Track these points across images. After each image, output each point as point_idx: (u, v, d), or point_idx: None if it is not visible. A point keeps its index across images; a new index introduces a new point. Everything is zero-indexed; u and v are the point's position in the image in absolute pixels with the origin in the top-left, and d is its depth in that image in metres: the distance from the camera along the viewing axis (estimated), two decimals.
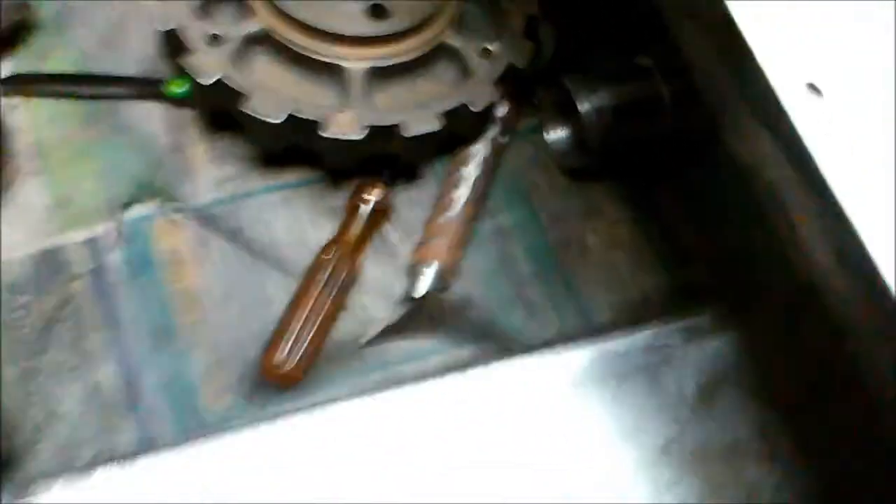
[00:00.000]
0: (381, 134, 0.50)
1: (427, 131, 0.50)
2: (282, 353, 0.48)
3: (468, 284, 0.53)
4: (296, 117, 0.49)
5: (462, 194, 0.53)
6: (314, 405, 0.46)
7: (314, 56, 0.51)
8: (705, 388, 0.46)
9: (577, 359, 0.46)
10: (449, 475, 0.43)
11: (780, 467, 0.45)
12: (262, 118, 0.48)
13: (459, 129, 0.53)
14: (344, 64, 0.51)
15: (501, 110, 0.56)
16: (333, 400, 0.46)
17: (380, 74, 0.52)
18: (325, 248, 0.51)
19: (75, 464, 0.45)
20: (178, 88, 0.53)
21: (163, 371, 0.49)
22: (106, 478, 0.41)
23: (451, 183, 0.54)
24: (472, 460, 0.43)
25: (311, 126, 0.49)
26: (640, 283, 0.54)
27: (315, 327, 0.49)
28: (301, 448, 0.43)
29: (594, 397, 0.45)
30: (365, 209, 0.52)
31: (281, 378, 0.48)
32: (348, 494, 0.42)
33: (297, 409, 0.46)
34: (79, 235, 0.51)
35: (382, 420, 0.44)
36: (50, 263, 0.50)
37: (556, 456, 0.44)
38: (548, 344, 0.48)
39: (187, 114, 0.55)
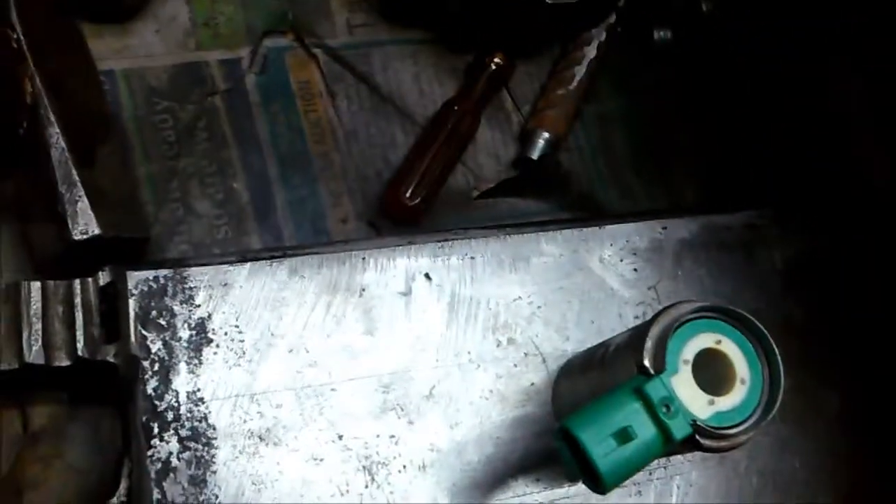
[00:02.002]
0: None
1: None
2: (407, 190, 0.51)
3: (572, 160, 0.57)
4: None
5: (579, 72, 0.57)
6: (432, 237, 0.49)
7: None
8: (793, 267, 0.51)
9: (681, 226, 0.50)
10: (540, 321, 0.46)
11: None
12: None
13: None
14: None
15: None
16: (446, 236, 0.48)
17: None
18: (452, 101, 0.54)
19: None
20: None
21: (293, 192, 0.51)
22: (243, 269, 0.43)
23: (570, 60, 0.57)
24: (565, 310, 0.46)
25: None
26: (726, 177, 0.58)
27: (437, 172, 0.52)
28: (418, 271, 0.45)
29: (698, 261, 0.49)
30: (489, 69, 0.55)
31: (403, 211, 0.51)
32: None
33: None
34: (219, 55, 0.53)
35: (487, 257, 0.47)
36: (191, 75, 0.52)
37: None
38: (652, 215, 0.51)
39: None
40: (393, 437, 0.42)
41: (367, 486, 0.41)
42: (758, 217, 0.51)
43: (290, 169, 0.52)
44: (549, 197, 0.55)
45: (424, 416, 0.43)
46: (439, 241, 0.46)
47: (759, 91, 0.59)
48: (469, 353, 0.45)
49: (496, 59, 0.56)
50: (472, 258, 0.46)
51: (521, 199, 0.55)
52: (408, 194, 0.51)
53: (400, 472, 0.42)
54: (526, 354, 0.46)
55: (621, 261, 0.48)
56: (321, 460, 0.41)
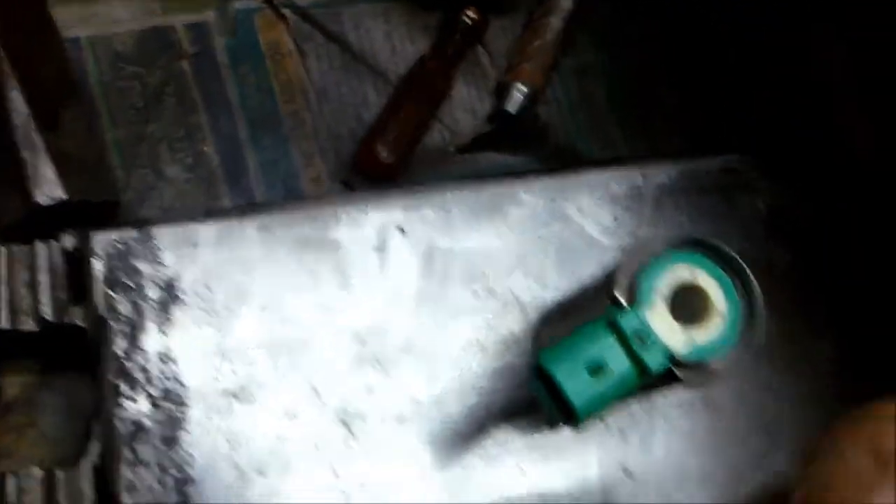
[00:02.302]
0: None
1: None
2: (380, 147, 0.50)
3: (551, 112, 0.56)
4: None
5: (555, 23, 0.55)
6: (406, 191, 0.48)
7: None
8: (776, 213, 0.50)
9: (660, 171, 0.49)
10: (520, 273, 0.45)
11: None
12: None
13: None
14: None
15: None
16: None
17: None
18: (424, 58, 0.53)
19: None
20: None
21: (264, 153, 0.51)
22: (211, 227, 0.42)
23: (546, 10, 0.56)
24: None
25: None
26: (709, 130, 0.57)
27: (411, 129, 0.51)
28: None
29: (678, 207, 0.48)
30: (462, 24, 0.54)
31: (377, 169, 0.50)
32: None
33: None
34: (186, 18, 0.53)
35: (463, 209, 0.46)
36: (158, 40, 0.52)
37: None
38: (631, 161, 0.50)
39: None
40: (370, 390, 0.42)
41: (344, 440, 0.41)
42: (739, 162, 0.50)
43: (260, 130, 0.51)
44: (527, 150, 0.54)
45: (402, 369, 0.42)
46: (413, 194, 0.46)
47: (743, 59, 0.58)
48: (446, 304, 0.44)
49: (469, 14, 0.55)
50: (447, 210, 0.45)
51: (498, 153, 0.54)
52: (381, 151, 0.50)
53: (378, 424, 0.41)
54: (505, 304, 0.45)
55: (600, 208, 0.47)
56: (296, 416, 0.40)
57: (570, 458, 0.42)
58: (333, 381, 0.41)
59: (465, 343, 0.43)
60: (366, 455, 0.41)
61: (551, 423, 0.38)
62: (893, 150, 0.50)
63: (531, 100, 0.54)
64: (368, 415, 0.41)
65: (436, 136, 0.54)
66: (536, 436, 0.43)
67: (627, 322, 0.33)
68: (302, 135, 0.51)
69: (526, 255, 0.46)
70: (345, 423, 0.41)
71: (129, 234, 0.41)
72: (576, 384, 0.32)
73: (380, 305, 0.43)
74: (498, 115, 0.54)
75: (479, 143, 0.54)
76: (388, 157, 0.50)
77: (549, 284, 0.45)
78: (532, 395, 0.40)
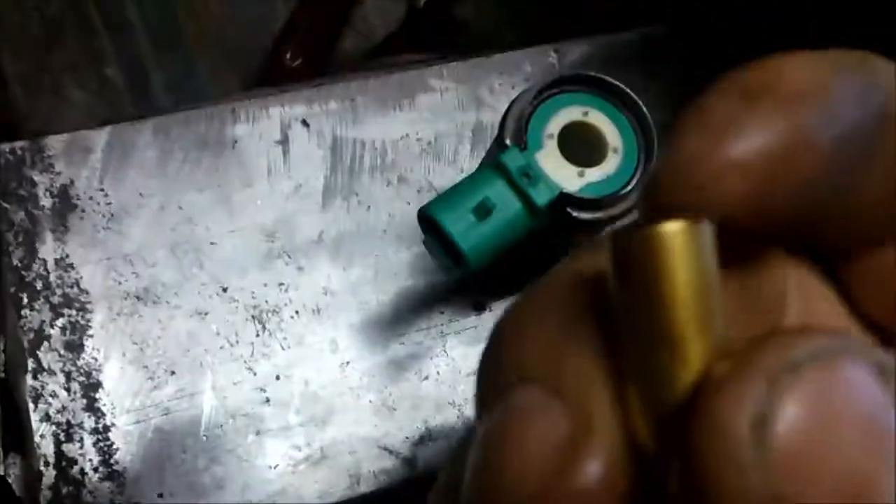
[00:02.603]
0: None
1: None
2: (287, 51, 0.49)
3: (468, 10, 0.54)
4: None
5: None
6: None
7: None
8: (698, 79, 0.48)
9: (574, 47, 0.48)
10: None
11: None
12: None
13: None
14: None
15: None
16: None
17: None
18: None
19: None
20: None
21: (170, 72, 0.49)
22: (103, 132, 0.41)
23: None
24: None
25: None
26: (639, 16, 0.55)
27: (319, 32, 0.50)
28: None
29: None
30: None
31: (287, 74, 0.49)
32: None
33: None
34: None
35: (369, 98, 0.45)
36: None
37: None
38: (543, 40, 0.49)
39: None
40: (282, 284, 0.40)
41: (258, 335, 0.39)
42: (655, 31, 0.49)
43: (163, 50, 0.50)
44: (444, 49, 0.53)
45: (314, 261, 0.41)
46: (315, 87, 0.44)
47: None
48: (357, 194, 0.43)
49: None
50: (353, 100, 0.44)
51: (416, 53, 0.52)
52: (288, 56, 0.49)
53: (292, 317, 0.40)
54: (419, 191, 0.43)
55: (513, 88, 0.46)
56: (206, 314, 0.39)
57: None
58: (243, 278, 0.40)
59: (379, 231, 0.42)
60: (281, 349, 0.39)
61: (447, 272, 0.37)
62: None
63: None
64: (282, 308, 0.40)
65: (350, 42, 0.52)
66: (459, 320, 0.41)
67: (511, 160, 0.32)
68: (208, 51, 0.50)
69: (438, 139, 0.44)
70: (257, 319, 0.40)
71: (20, 144, 0.40)
72: (461, 227, 0.31)
73: (287, 199, 0.42)
74: (409, 14, 0.53)
75: (392, 44, 0.52)
76: (295, 62, 0.49)
77: (465, 168, 0.44)
78: (452, 280, 0.39)
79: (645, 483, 0.12)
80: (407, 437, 0.39)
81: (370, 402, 0.39)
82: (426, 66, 0.46)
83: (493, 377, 0.14)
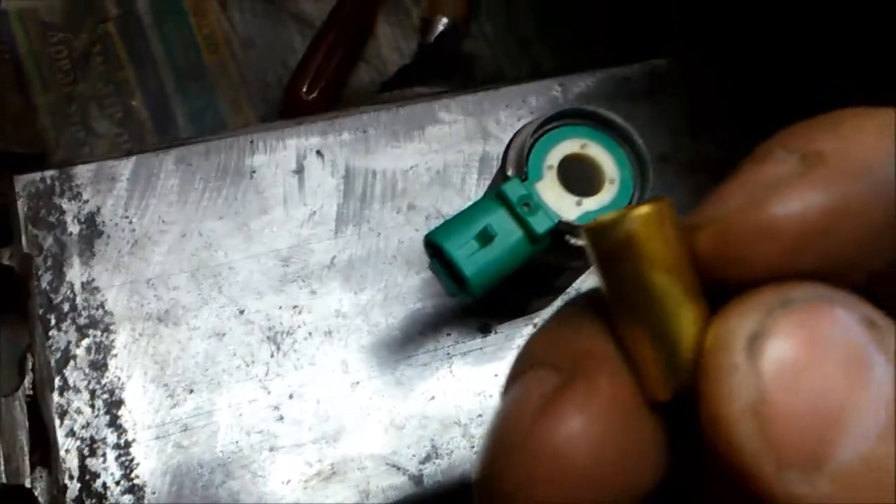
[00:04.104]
0: None
1: None
2: (303, 85, 0.51)
3: (478, 45, 0.57)
4: None
5: None
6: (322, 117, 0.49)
7: None
8: (701, 108, 0.50)
9: (579, 81, 0.50)
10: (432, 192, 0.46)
11: None
12: None
13: None
14: None
15: None
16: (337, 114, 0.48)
17: None
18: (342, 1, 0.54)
19: None
20: None
21: (191, 103, 0.52)
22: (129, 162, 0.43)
23: None
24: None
25: None
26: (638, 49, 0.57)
27: (333, 66, 0.52)
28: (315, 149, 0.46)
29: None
30: None
31: (302, 107, 0.51)
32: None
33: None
34: None
35: (381, 130, 0.47)
36: (83, 7, 0.53)
37: None
38: (549, 74, 0.51)
39: None
40: (296, 307, 0.42)
41: (272, 356, 0.41)
42: (659, 66, 0.51)
43: (186, 81, 0.52)
44: (454, 81, 0.55)
45: (327, 285, 0.43)
46: (329, 119, 0.46)
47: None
48: (369, 222, 0.45)
49: None
50: (365, 132, 0.46)
51: (426, 86, 0.55)
52: (304, 89, 0.51)
53: (305, 339, 0.42)
54: (427, 218, 0.45)
55: (518, 120, 0.48)
56: (224, 335, 0.41)
57: (500, 360, 0.43)
58: (259, 301, 0.42)
59: (388, 257, 0.44)
60: (294, 369, 0.41)
61: (452, 296, 0.39)
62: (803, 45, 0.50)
63: (453, 31, 0.55)
64: (296, 330, 0.42)
65: (364, 76, 0.55)
66: (465, 342, 0.43)
67: (512, 190, 0.33)
68: (228, 84, 0.52)
69: (446, 169, 0.46)
70: (272, 340, 0.42)
71: (50, 173, 0.42)
72: (464, 252, 0.33)
73: (302, 226, 0.44)
74: (421, 49, 0.55)
75: (404, 77, 0.55)
76: (310, 96, 0.51)
77: (472, 196, 0.46)
78: (459, 304, 0.41)
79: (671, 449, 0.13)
80: (414, 455, 0.41)
81: (379, 420, 0.41)
82: (435, 99, 0.48)
83: (510, 372, 0.15)
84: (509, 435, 0.13)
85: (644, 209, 0.13)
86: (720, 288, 0.13)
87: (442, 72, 0.55)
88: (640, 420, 0.13)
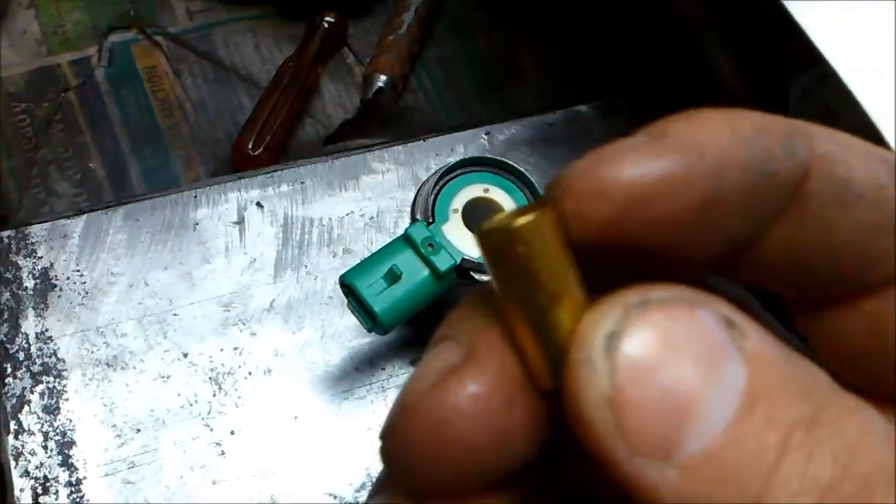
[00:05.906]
0: None
1: None
2: (249, 141, 0.55)
3: (418, 98, 0.61)
4: None
5: (407, 18, 0.61)
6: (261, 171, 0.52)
7: None
8: None
9: (504, 129, 0.53)
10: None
11: None
12: None
13: None
14: None
15: None
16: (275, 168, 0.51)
17: None
18: (288, 59, 0.58)
19: None
20: None
21: (146, 163, 0.55)
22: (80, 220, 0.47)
23: (399, 9, 0.61)
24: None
25: None
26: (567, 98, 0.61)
27: (278, 122, 0.56)
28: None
29: (522, 159, 0.52)
30: (321, 27, 0.59)
31: (248, 162, 0.55)
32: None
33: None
34: (69, 56, 0.58)
35: (317, 180, 0.50)
36: (45, 78, 0.57)
37: None
38: (475, 124, 0.54)
39: None
40: (237, 348, 0.45)
41: (214, 395, 0.44)
42: (580, 112, 0.54)
43: (140, 143, 0.56)
44: (394, 133, 0.59)
45: (266, 327, 0.46)
46: (269, 173, 0.50)
47: (598, 12, 0.61)
48: (306, 266, 0.48)
49: (327, 18, 0.60)
50: (302, 183, 0.50)
51: (368, 138, 0.58)
52: (250, 145, 0.54)
53: (246, 378, 0.45)
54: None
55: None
56: (168, 377, 0.44)
57: None
58: (202, 345, 0.45)
59: (325, 298, 0.47)
60: (235, 407, 0.44)
61: (370, 331, 0.42)
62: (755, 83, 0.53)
63: (391, 86, 0.59)
64: (236, 370, 0.45)
65: (310, 131, 0.58)
66: (398, 375, 0.46)
67: (417, 233, 0.37)
68: (181, 143, 0.56)
69: (380, 214, 0.50)
70: (214, 381, 0.45)
71: (7, 233, 0.46)
72: (373, 291, 0.36)
73: (242, 273, 0.47)
74: (362, 104, 0.59)
75: (347, 130, 0.58)
76: (256, 151, 0.54)
77: None
78: (391, 339, 0.44)
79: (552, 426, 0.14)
80: (350, 484, 0.44)
81: (317, 452, 0.44)
82: (369, 150, 0.52)
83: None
84: (409, 398, 0.15)
85: (526, 217, 0.14)
86: (600, 270, 0.14)
87: (382, 124, 0.59)
88: (524, 403, 0.14)
